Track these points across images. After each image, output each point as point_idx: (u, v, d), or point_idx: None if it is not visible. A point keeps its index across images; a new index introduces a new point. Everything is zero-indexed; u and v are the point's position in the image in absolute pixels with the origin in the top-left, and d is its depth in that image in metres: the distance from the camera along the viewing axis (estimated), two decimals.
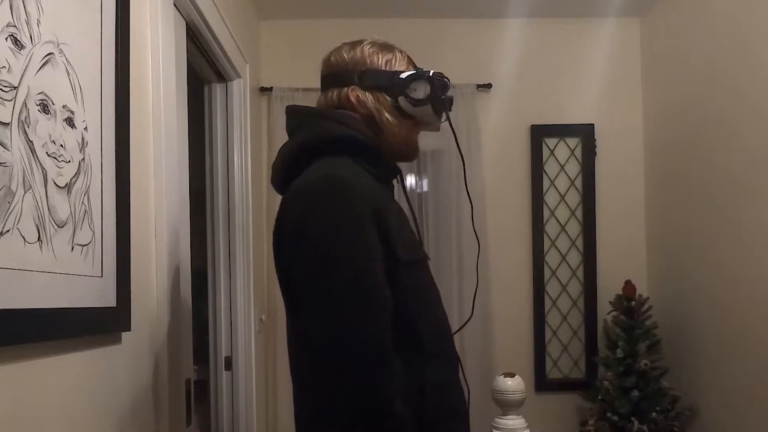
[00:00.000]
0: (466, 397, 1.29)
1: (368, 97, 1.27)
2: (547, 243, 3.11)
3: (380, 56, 1.29)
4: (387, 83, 1.27)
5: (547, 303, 3.10)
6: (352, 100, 1.27)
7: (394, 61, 1.30)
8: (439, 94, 1.27)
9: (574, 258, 3.12)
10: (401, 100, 1.26)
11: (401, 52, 1.33)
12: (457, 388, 1.27)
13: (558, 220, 3.12)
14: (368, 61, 1.28)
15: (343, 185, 1.12)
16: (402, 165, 1.35)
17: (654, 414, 2.64)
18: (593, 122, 3.12)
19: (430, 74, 1.27)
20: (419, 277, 1.25)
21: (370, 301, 1.07)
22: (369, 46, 1.30)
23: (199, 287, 2.26)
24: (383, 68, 1.29)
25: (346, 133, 1.24)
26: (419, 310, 1.21)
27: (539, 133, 3.13)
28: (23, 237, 0.92)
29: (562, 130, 3.13)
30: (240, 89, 2.55)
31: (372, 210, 1.12)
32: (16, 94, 0.92)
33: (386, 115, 1.27)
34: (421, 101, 1.26)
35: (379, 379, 1.05)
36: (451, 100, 1.34)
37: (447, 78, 1.30)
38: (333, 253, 1.08)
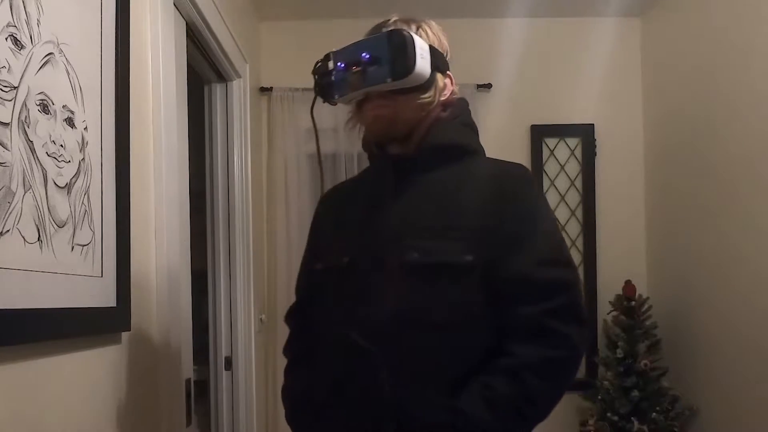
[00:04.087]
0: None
1: None
2: None
3: None
4: None
5: None
6: None
7: None
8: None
9: (574, 258, 3.10)
10: None
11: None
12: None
13: (558, 220, 3.12)
14: None
15: None
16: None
17: (654, 414, 2.64)
18: (593, 122, 3.12)
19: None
20: (332, 284, 1.22)
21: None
22: None
23: (199, 287, 2.26)
24: None
25: None
26: (318, 322, 1.25)
27: (539, 133, 3.12)
28: (23, 237, 0.92)
29: (562, 130, 3.12)
30: (240, 89, 2.55)
31: (316, 213, 1.37)
32: (16, 94, 0.92)
33: None
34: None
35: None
36: (324, 86, 1.22)
37: (324, 62, 1.22)
38: None
